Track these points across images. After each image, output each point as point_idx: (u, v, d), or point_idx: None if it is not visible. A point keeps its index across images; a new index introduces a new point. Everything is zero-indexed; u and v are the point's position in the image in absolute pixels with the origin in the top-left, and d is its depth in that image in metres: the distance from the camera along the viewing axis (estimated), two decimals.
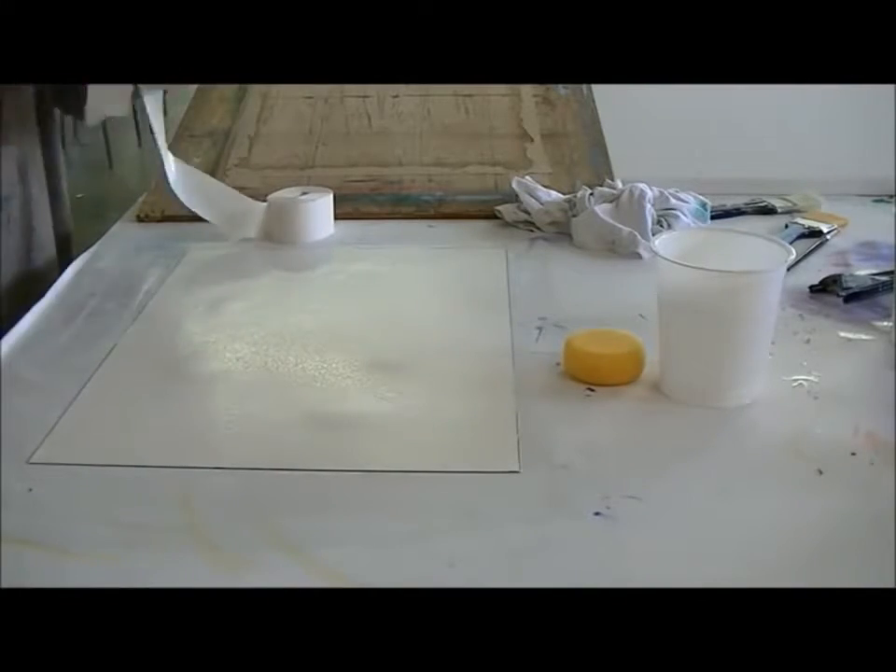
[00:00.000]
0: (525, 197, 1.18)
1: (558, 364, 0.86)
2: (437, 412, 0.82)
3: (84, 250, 1.13)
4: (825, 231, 1.13)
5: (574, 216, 1.14)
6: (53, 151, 1.15)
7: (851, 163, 1.26)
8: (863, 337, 0.91)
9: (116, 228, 1.21)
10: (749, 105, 1.32)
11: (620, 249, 1.09)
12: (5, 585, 0.61)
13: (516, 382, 0.85)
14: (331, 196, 1.18)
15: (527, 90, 1.44)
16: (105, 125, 4.39)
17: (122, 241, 1.16)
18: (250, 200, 1.17)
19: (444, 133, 1.36)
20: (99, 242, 1.15)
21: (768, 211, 1.21)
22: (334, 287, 1.05)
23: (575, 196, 1.16)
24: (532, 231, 1.17)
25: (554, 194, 1.19)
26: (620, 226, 1.10)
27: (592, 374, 0.84)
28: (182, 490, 0.71)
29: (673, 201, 1.14)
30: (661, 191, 1.15)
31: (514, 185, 1.19)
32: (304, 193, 1.18)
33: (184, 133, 1.39)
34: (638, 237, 1.09)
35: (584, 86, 1.45)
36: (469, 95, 1.41)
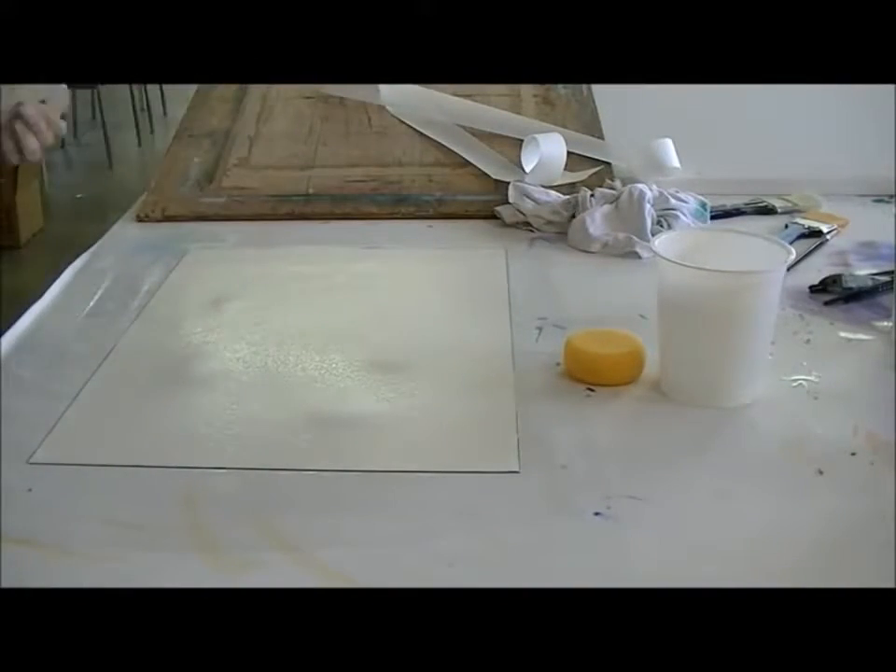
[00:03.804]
0: (518, 200, 1.17)
1: (558, 364, 0.86)
2: (437, 412, 0.82)
3: (84, 250, 1.13)
4: (825, 231, 1.13)
5: (573, 216, 1.14)
6: None
7: (851, 163, 1.26)
8: (863, 337, 0.91)
9: (116, 228, 1.21)
10: (750, 104, 1.32)
11: (614, 251, 1.09)
12: (5, 585, 0.61)
13: (516, 382, 0.85)
14: None
15: (527, 90, 1.44)
16: (104, 125, 4.40)
17: (122, 241, 1.16)
18: None
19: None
20: (99, 242, 1.15)
21: (768, 211, 1.21)
22: (334, 287, 1.05)
23: (576, 197, 1.16)
24: (532, 231, 1.17)
25: (553, 194, 1.19)
26: (613, 233, 1.10)
27: (592, 374, 0.84)
28: (182, 490, 0.72)
29: (673, 201, 1.14)
30: (661, 191, 1.15)
31: (511, 188, 1.19)
32: None
33: (184, 133, 1.39)
34: (634, 238, 1.09)
35: (584, 86, 1.45)
36: (470, 95, 1.41)
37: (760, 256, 0.80)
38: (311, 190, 1.25)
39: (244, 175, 1.29)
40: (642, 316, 0.91)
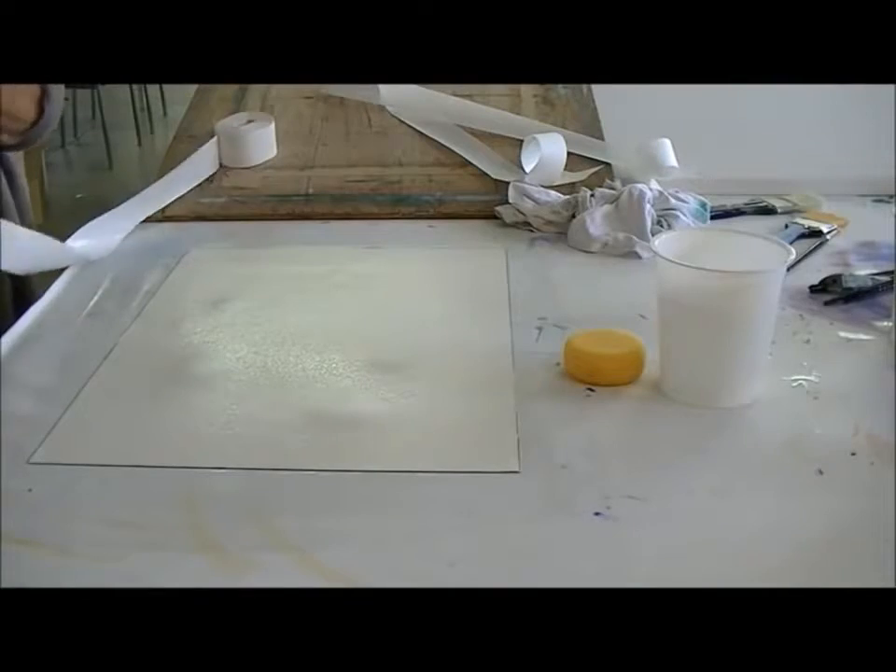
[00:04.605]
0: (518, 200, 1.17)
1: (558, 364, 0.86)
2: (437, 412, 0.82)
3: None
4: (825, 231, 1.13)
5: (573, 216, 1.14)
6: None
7: (851, 163, 1.26)
8: (863, 337, 0.91)
9: None
10: (749, 104, 1.32)
11: (614, 251, 1.09)
12: (5, 585, 0.61)
13: (516, 382, 0.85)
14: (273, 125, 1.32)
15: (527, 90, 1.44)
16: (104, 125, 4.40)
17: (122, 241, 1.16)
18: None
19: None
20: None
21: (768, 211, 1.21)
22: (334, 286, 1.05)
23: (576, 197, 1.16)
24: (532, 231, 1.17)
25: (553, 194, 1.19)
26: (613, 233, 1.10)
27: (592, 374, 0.84)
28: (182, 490, 0.72)
29: (673, 201, 1.14)
30: (660, 191, 1.15)
31: (511, 188, 1.19)
32: (250, 121, 1.32)
33: (184, 133, 1.39)
34: (634, 239, 1.09)
35: (584, 86, 1.45)
36: (470, 95, 1.41)
37: (760, 256, 0.80)
38: (311, 190, 1.25)
39: (244, 175, 1.29)
40: (642, 316, 0.91)
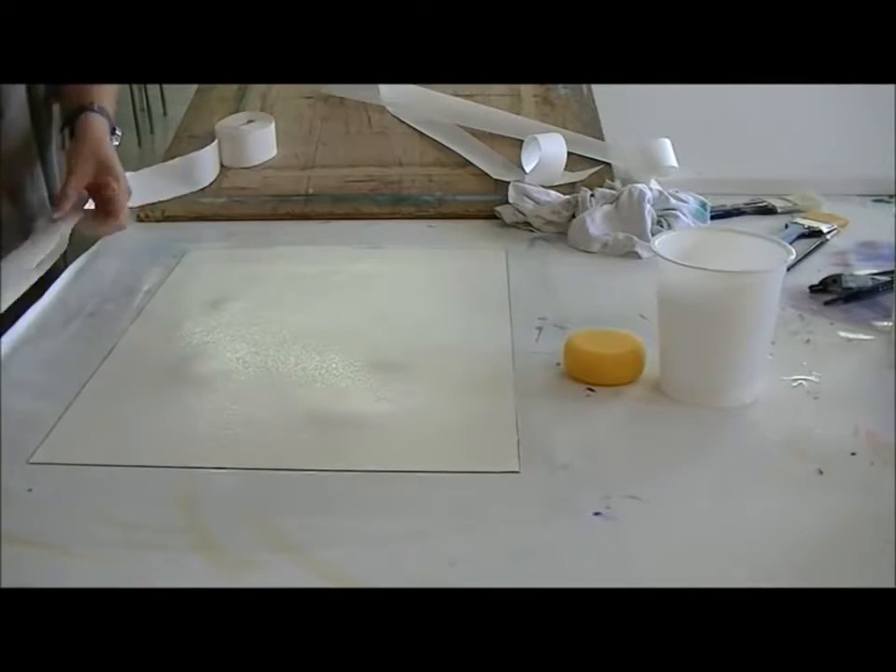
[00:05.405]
0: (518, 200, 1.17)
1: (558, 364, 0.86)
2: (437, 412, 0.82)
3: (84, 250, 1.13)
4: (825, 230, 1.13)
5: (573, 216, 1.14)
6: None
7: (851, 163, 1.26)
8: (863, 337, 0.91)
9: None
10: (749, 104, 1.32)
11: (614, 251, 1.09)
12: (5, 585, 0.61)
13: (516, 382, 0.85)
14: (273, 125, 1.33)
15: (527, 90, 1.44)
16: None
17: (122, 241, 1.16)
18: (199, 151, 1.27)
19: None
20: (99, 242, 1.15)
21: (768, 211, 1.21)
22: (334, 286, 1.05)
23: (576, 197, 1.16)
24: (532, 231, 1.17)
25: (554, 194, 1.19)
26: (613, 233, 1.10)
27: (592, 374, 0.84)
28: (182, 490, 0.72)
29: (673, 201, 1.14)
30: (660, 191, 1.15)
31: (511, 188, 1.19)
32: (250, 121, 1.33)
33: (184, 132, 1.39)
34: (634, 238, 1.09)
35: (584, 86, 1.45)
36: (470, 95, 1.41)
37: (760, 256, 0.80)
38: (311, 190, 1.25)
39: (243, 176, 1.29)
40: (642, 316, 0.91)
